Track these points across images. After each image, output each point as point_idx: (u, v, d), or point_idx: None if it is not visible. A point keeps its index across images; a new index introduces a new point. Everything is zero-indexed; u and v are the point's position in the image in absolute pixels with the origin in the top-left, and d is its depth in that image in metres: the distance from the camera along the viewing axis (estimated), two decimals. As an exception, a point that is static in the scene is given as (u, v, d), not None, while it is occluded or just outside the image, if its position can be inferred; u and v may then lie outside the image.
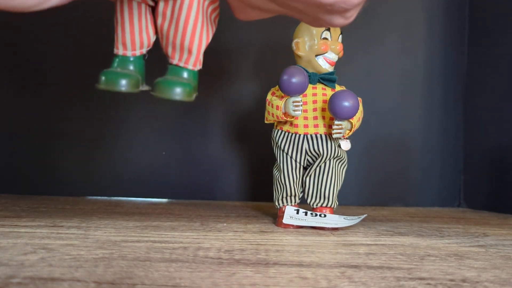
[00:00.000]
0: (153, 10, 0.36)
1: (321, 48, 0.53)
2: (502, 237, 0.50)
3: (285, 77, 0.49)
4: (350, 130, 0.52)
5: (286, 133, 0.54)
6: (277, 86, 0.54)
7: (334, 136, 0.51)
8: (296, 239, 0.46)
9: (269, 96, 0.54)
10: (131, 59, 0.37)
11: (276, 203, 0.56)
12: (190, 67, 0.38)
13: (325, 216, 0.52)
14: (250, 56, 0.74)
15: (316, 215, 0.52)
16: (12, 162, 0.73)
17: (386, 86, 0.76)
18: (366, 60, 0.75)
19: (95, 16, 0.73)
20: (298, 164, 0.54)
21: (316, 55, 0.54)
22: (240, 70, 0.74)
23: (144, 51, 0.38)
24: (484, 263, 0.38)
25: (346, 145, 0.53)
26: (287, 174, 0.54)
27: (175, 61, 0.37)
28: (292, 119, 0.52)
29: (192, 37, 0.36)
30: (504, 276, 0.34)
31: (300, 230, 0.51)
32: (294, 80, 0.49)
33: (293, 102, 0.50)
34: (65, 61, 0.73)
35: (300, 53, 0.54)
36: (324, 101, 0.53)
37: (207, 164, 0.68)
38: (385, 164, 0.76)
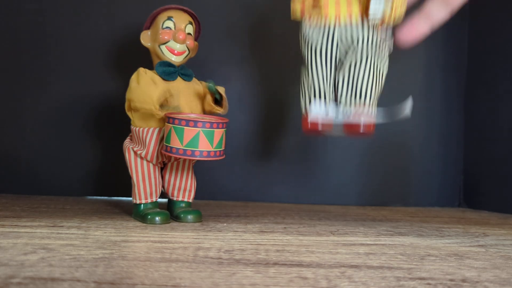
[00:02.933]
0: (161, 169, 0.56)
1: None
2: (502, 237, 0.50)
3: None
4: (391, 14, 0.44)
5: (315, 22, 0.47)
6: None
7: (371, 16, 0.44)
8: (296, 239, 0.46)
9: None
10: (150, 202, 0.54)
11: (302, 106, 0.48)
12: (190, 200, 0.56)
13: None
14: (250, 56, 0.74)
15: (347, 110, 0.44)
16: (12, 162, 0.73)
17: (386, 86, 0.76)
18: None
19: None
20: (328, 58, 0.47)
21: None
22: (240, 70, 0.74)
23: (157, 198, 0.55)
24: (484, 263, 0.38)
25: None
26: (315, 70, 0.47)
27: (180, 198, 0.56)
28: (321, 6, 0.46)
29: (191, 182, 0.56)
30: (504, 276, 0.34)
31: (300, 230, 0.51)
32: None
33: None
34: (66, 66, 0.73)
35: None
36: None
37: (207, 164, 0.68)
38: (385, 164, 0.76)
